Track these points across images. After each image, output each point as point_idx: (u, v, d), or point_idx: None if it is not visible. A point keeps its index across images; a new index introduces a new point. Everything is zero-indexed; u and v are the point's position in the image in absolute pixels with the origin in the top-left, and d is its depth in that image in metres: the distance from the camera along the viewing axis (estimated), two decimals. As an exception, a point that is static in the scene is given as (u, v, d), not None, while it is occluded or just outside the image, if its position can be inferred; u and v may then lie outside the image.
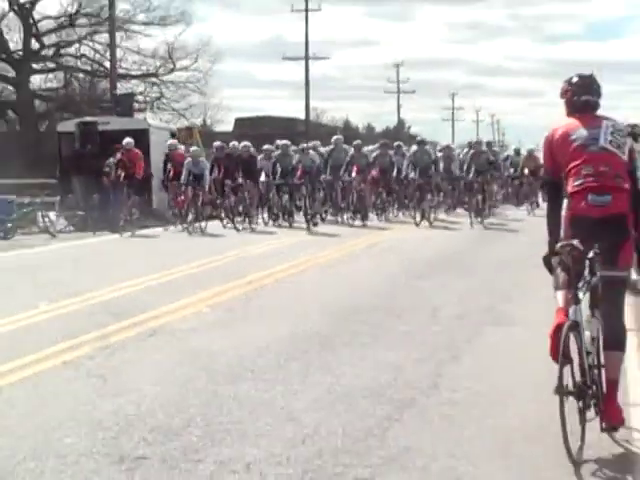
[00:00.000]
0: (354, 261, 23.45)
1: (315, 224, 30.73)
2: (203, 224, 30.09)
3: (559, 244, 8.45)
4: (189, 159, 31.28)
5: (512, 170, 43.62)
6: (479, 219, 33.85)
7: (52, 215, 33.62)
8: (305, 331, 13.87)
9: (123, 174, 30.44)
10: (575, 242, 8.16)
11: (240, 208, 31.96)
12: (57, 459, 8.12)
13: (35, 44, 62.94)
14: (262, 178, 33.53)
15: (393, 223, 33.29)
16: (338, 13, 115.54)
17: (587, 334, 8.25)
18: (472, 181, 33.66)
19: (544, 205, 39.82)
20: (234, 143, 36.71)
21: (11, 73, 62.96)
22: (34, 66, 63.55)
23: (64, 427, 9.12)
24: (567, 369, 7.96)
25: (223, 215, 32.59)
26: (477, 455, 8.29)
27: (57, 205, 33.96)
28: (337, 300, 16.84)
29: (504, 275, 20.42)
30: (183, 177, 30.70)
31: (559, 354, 7.99)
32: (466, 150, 36.19)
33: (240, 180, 31.95)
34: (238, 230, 30.25)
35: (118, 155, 31.44)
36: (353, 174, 34.37)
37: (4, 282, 19.83)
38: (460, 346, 12.84)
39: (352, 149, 35.74)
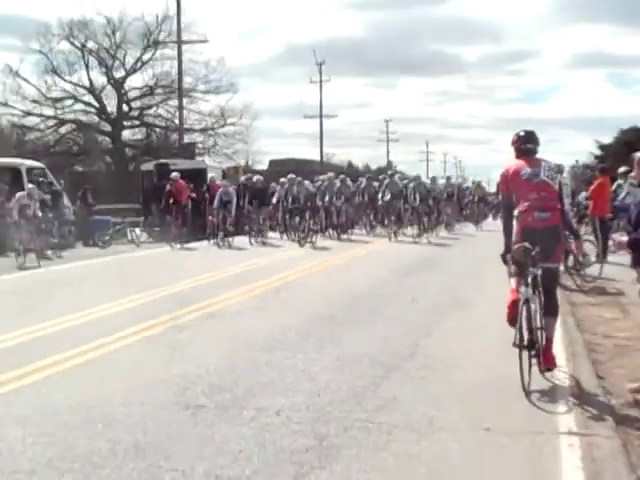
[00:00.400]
0: (351, 265, 23.20)
1: (312, 240, 29.44)
2: (230, 239, 29.15)
3: (515, 246, 9.24)
4: (222, 189, 30.46)
5: (471, 197, 43.17)
6: (426, 234, 32.47)
7: (137, 230, 33.49)
8: (319, 314, 13.88)
9: (172, 200, 29.60)
10: (527, 244, 9.05)
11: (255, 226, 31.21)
12: (141, 406, 8.30)
13: (125, 107, 62.86)
14: (274, 201, 32.82)
15: (374, 237, 32.53)
16: (344, 83, 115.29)
17: (532, 306, 9.08)
18: (414, 206, 32.44)
19: (490, 222, 39.50)
20: (249, 175, 36.67)
21: (108, 128, 62.83)
22: (124, 123, 63.37)
23: (146, 383, 9.28)
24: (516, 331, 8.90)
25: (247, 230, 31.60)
26: (445, 403, 8.44)
27: (141, 223, 33.92)
28: (341, 292, 16.86)
29: (464, 273, 20.42)
30: (215, 203, 29.75)
31: (516, 320, 8.93)
32: (408, 182, 34.96)
33: (248, 205, 31.19)
34: (252, 244, 29.51)
35: (168, 186, 30.66)
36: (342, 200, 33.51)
37: (102, 278, 20.03)
38: (432, 325, 12.88)
39: (339, 182, 34.63)
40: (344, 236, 32.37)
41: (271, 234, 32.53)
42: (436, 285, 18.12)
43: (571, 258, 17.98)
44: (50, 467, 6.59)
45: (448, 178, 45.21)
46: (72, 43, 61.49)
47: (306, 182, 33.15)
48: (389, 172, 38.12)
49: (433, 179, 40.48)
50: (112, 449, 6.99)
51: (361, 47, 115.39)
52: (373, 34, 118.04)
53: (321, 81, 78.30)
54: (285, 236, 31.60)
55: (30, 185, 26.34)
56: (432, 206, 34.78)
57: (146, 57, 62.28)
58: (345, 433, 7.44)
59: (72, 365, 10.09)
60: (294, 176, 32.21)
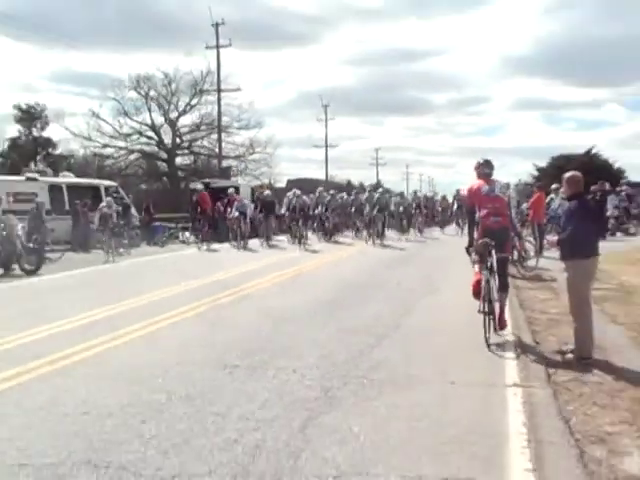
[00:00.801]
0: (345, 260, 23.01)
1: (305, 241, 28.41)
2: (245, 242, 27.51)
3: (479, 241, 9.88)
4: (237, 202, 28.81)
5: (440, 208, 42.82)
6: (404, 235, 32.61)
7: (187, 234, 33.58)
8: (324, 297, 13.79)
9: (199, 209, 28.72)
10: (487, 240, 9.73)
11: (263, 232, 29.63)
12: (191, 365, 8.32)
13: (178, 140, 62.91)
14: (282, 211, 31.60)
15: (358, 240, 30.94)
16: (343, 121, 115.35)
17: (490, 284, 9.58)
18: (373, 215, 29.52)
19: (452, 227, 38.68)
20: (260, 190, 35.71)
21: (165, 156, 62.89)
22: (177, 152, 63.32)
23: (195, 348, 9.31)
24: (481, 302, 9.60)
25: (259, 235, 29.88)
26: (422, 363, 8.49)
27: (189, 228, 33.88)
28: (338, 281, 16.74)
29: (435, 265, 20.44)
30: (233, 212, 27.95)
31: (480, 294, 9.64)
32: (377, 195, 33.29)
33: (259, 215, 29.72)
34: (262, 246, 27.89)
35: (194, 198, 29.98)
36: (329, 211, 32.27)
37: (161, 270, 20.02)
38: (412, 304, 12.83)
39: (328, 195, 33.68)
40: (333, 239, 31.18)
41: (280, 237, 31.42)
42: (413, 274, 18.03)
43: (516, 253, 18.09)
44: (123, 411, 6.64)
45: (415, 192, 44.76)
46: (138, 92, 61.65)
47: (304, 197, 31.74)
48: (368, 188, 37.10)
49: (401, 194, 39.92)
50: (169, 398, 7.05)
51: (357, 93, 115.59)
52: (366, 84, 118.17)
53: (326, 119, 78.34)
54: (290, 239, 30.03)
55: (108, 198, 26.32)
56: (400, 214, 34.13)
57: (194, 102, 62.24)
58: (345, 387, 7.46)
59: (137, 336, 10.11)
60: (296, 191, 31.64)
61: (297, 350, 9.14)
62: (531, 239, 19.58)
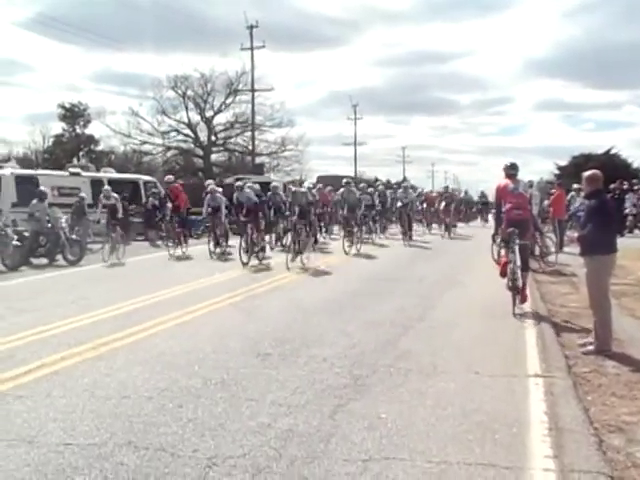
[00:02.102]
0: (368, 255, 23.04)
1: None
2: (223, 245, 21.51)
3: (507, 230, 11.26)
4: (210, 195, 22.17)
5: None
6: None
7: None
8: (350, 289, 13.82)
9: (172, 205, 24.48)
10: (512, 229, 11.17)
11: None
12: (226, 353, 8.39)
13: (213, 138, 63.04)
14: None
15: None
16: (372, 120, 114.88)
17: (511, 266, 11.14)
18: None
19: (477, 222, 37.76)
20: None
21: (200, 153, 63.01)
22: (212, 149, 63.45)
23: (230, 336, 9.36)
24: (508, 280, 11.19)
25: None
26: (446, 353, 8.44)
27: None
28: (364, 274, 16.75)
29: (459, 260, 20.42)
30: (205, 207, 22.03)
31: (506, 274, 11.23)
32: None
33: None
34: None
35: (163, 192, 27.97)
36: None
37: (198, 260, 19.93)
38: (436, 297, 12.79)
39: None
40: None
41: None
42: (436, 269, 17.95)
43: (537, 248, 18.04)
44: (161, 395, 6.69)
45: (446, 188, 41.84)
46: (176, 92, 61.77)
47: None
48: (377, 183, 35.08)
49: (405, 188, 36.74)
50: (205, 384, 7.10)
51: (384, 94, 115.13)
52: (393, 85, 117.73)
53: (355, 118, 78.26)
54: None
55: (106, 187, 22.79)
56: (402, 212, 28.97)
57: (229, 101, 62.26)
58: (373, 375, 7.47)
59: (174, 324, 10.19)
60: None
61: (327, 339, 9.15)
62: (552, 235, 19.47)
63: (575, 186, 23.28)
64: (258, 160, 58.88)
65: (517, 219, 11.24)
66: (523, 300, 11.22)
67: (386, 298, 12.67)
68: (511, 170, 11.63)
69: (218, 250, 21.15)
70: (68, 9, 77.34)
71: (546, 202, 22.76)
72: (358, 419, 6.00)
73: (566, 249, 18.54)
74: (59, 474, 4.87)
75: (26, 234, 19.25)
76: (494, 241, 12.39)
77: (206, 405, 6.38)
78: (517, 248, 11.12)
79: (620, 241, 9.25)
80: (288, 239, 20.70)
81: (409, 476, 4.86)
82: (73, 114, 62.63)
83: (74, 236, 20.32)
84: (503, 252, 11.85)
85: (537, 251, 17.90)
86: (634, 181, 32.98)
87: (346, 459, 5.13)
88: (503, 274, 11.41)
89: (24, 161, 50.32)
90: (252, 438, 5.53)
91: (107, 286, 14.65)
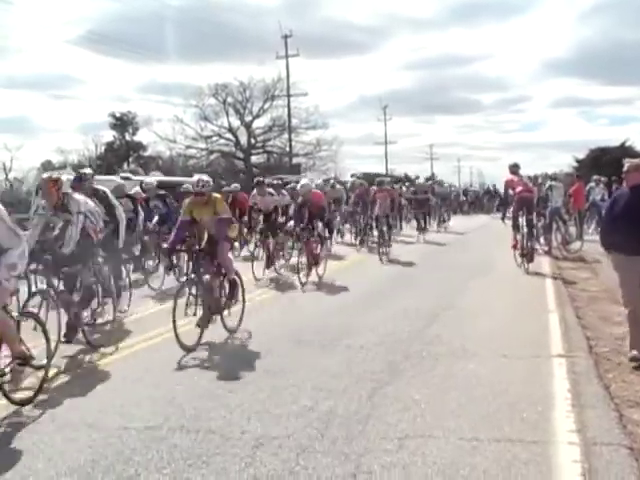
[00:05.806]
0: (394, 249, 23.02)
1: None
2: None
3: (514, 214, 14.99)
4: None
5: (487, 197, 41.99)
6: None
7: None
8: (375, 287, 13.89)
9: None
10: (520, 212, 14.73)
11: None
12: (268, 341, 8.44)
13: (252, 141, 63.21)
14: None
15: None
16: (400, 120, 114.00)
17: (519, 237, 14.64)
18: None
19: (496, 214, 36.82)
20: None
21: (241, 155, 63.23)
22: (252, 152, 63.66)
23: (273, 324, 9.54)
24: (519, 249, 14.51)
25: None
26: (475, 338, 8.42)
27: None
28: (389, 272, 16.72)
29: (483, 251, 20.24)
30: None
31: (517, 246, 14.79)
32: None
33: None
34: None
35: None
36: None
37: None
38: (462, 286, 12.70)
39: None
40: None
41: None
42: (463, 261, 17.81)
43: (559, 236, 18.01)
44: (210, 382, 6.75)
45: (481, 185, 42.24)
46: (217, 99, 62.00)
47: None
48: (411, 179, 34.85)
49: (440, 182, 36.65)
50: (248, 371, 7.17)
51: (411, 96, 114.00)
52: (419, 87, 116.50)
53: (385, 119, 77.59)
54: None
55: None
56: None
57: (266, 106, 62.33)
58: (406, 360, 7.48)
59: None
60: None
61: (362, 328, 9.14)
62: (573, 224, 19.37)
63: (595, 177, 23.20)
64: (295, 160, 58.97)
65: (527, 197, 14.79)
66: (531, 260, 14.30)
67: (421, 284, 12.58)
68: (514, 168, 15.16)
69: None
70: (115, 26, 77.38)
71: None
72: (393, 401, 6.01)
73: (586, 237, 18.40)
74: (118, 455, 4.96)
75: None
76: (504, 221, 16.75)
77: (252, 391, 6.43)
78: (524, 221, 14.51)
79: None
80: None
81: (443, 452, 4.86)
82: (122, 123, 63.10)
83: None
84: (513, 234, 14.87)
85: (560, 239, 17.91)
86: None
87: (383, 437, 5.15)
88: (514, 247, 14.80)
89: (79, 168, 50.86)
90: (295, 421, 5.56)
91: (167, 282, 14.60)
